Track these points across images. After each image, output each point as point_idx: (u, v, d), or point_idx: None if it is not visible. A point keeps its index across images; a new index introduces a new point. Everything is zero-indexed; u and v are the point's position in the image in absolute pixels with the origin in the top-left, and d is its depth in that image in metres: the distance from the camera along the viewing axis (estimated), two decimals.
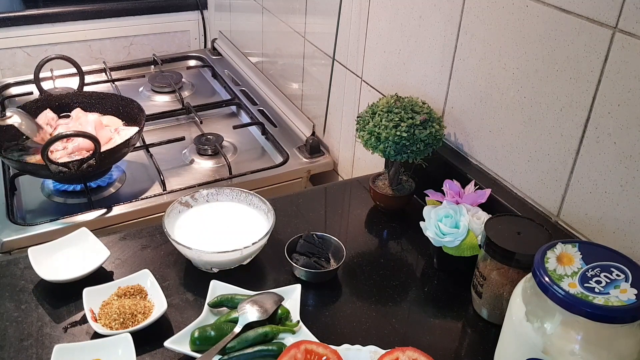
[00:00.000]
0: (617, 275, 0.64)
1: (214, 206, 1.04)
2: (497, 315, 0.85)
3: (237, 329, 0.80)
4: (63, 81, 1.79)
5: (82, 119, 1.38)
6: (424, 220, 0.94)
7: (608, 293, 0.62)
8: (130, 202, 1.28)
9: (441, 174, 1.04)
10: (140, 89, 1.86)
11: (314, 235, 0.98)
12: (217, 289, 0.88)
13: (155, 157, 1.42)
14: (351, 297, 0.92)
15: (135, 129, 1.36)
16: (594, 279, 0.64)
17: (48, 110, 1.41)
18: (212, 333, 0.79)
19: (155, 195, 1.31)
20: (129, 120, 1.46)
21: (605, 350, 0.62)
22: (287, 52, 1.68)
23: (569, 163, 0.86)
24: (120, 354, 0.78)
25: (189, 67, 2.04)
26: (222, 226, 1.00)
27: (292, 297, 0.87)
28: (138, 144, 1.45)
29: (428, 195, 1.00)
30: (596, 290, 0.62)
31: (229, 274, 0.94)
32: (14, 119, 1.32)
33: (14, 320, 0.85)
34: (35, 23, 1.94)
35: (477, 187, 0.98)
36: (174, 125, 1.68)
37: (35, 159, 1.30)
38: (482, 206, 0.94)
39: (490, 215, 0.90)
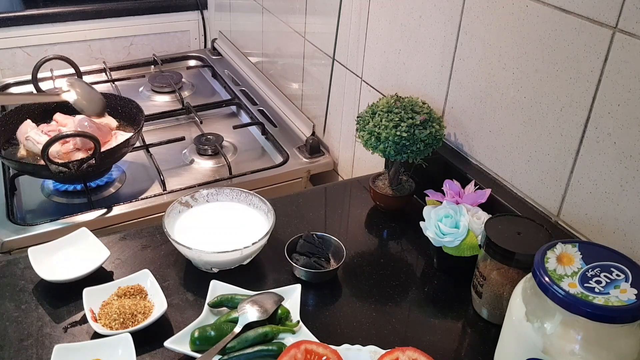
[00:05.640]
0: (617, 275, 0.64)
1: (214, 206, 1.04)
2: (497, 315, 0.85)
3: (237, 329, 0.80)
4: (63, 81, 1.79)
5: (67, 121, 1.36)
6: (424, 220, 0.94)
7: (608, 293, 0.62)
8: (130, 202, 1.28)
9: (441, 174, 1.04)
10: (140, 89, 1.86)
11: (314, 235, 0.98)
12: (217, 289, 0.88)
13: (155, 157, 1.42)
14: (351, 297, 0.92)
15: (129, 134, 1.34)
16: (594, 279, 0.64)
17: (28, 120, 1.36)
18: (212, 333, 0.79)
19: (155, 195, 1.31)
20: (127, 121, 1.45)
21: (605, 350, 0.62)
22: (287, 52, 1.68)
23: (569, 163, 0.86)
24: (120, 354, 0.78)
25: (189, 67, 2.04)
26: (222, 226, 1.00)
27: (292, 297, 0.87)
28: (138, 144, 1.45)
29: (428, 195, 1.00)
30: (596, 290, 0.62)
31: (229, 274, 0.94)
32: (71, 95, 1.32)
33: (14, 320, 0.85)
34: (35, 23, 1.94)
35: (477, 187, 0.98)
36: (174, 125, 1.68)
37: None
38: (482, 206, 0.94)
39: (490, 215, 0.90)
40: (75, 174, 1.22)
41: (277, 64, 1.77)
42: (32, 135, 1.30)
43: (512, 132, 0.95)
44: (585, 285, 0.63)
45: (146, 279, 0.90)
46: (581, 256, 0.67)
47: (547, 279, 0.64)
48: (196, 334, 0.79)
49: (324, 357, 0.74)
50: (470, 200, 0.95)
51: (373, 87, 1.30)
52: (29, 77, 1.53)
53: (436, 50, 1.08)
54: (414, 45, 1.13)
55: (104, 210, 1.25)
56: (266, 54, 1.83)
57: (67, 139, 1.28)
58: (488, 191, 0.95)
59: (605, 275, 0.64)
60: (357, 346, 0.79)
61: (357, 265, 0.99)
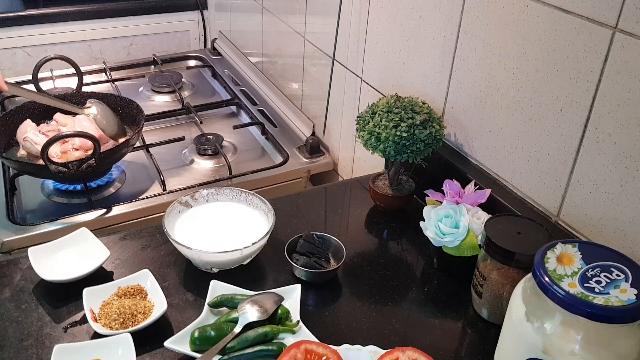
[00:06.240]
0: (617, 275, 0.64)
1: (214, 206, 1.04)
2: (497, 315, 0.85)
3: (237, 329, 0.80)
4: (63, 81, 1.79)
5: (66, 121, 1.36)
6: (424, 220, 0.94)
7: (608, 293, 0.62)
8: (130, 202, 1.28)
9: (441, 174, 1.04)
10: (140, 89, 1.86)
11: (314, 235, 0.98)
12: (217, 289, 0.88)
13: (155, 157, 1.42)
14: (351, 297, 0.92)
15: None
16: (594, 279, 0.64)
17: (28, 120, 1.36)
18: (212, 333, 0.79)
19: (155, 195, 1.31)
20: (127, 121, 1.45)
21: (605, 350, 0.62)
22: (287, 52, 1.68)
23: (569, 163, 0.86)
24: (120, 354, 0.78)
25: (189, 67, 2.04)
26: (222, 226, 1.00)
27: (292, 297, 0.87)
28: (138, 144, 1.45)
29: (428, 195, 1.00)
30: (596, 290, 0.62)
31: (229, 274, 0.94)
32: (92, 110, 1.36)
33: (14, 320, 0.85)
34: (35, 23, 1.94)
35: (477, 187, 0.98)
36: (174, 125, 1.68)
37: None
38: (482, 206, 0.94)
39: (490, 215, 0.90)
40: (75, 174, 1.22)
41: (277, 64, 1.77)
42: (30, 136, 1.30)
43: (512, 132, 0.95)
44: (585, 285, 0.63)
45: (146, 279, 0.90)
46: (581, 256, 0.67)
47: (547, 279, 0.64)
48: (196, 334, 0.79)
49: (324, 357, 0.74)
50: (470, 200, 0.95)
51: (373, 87, 1.30)
52: (29, 77, 1.53)
53: (436, 50, 1.08)
54: (414, 45, 1.13)
55: (104, 210, 1.25)
56: (266, 54, 1.83)
57: (67, 139, 1.28)
58: (488, 191, 0.95)
59: (605, 275, 0.64)
60: (357, 346, 0.79)
61: (357, 265, 0.99)
